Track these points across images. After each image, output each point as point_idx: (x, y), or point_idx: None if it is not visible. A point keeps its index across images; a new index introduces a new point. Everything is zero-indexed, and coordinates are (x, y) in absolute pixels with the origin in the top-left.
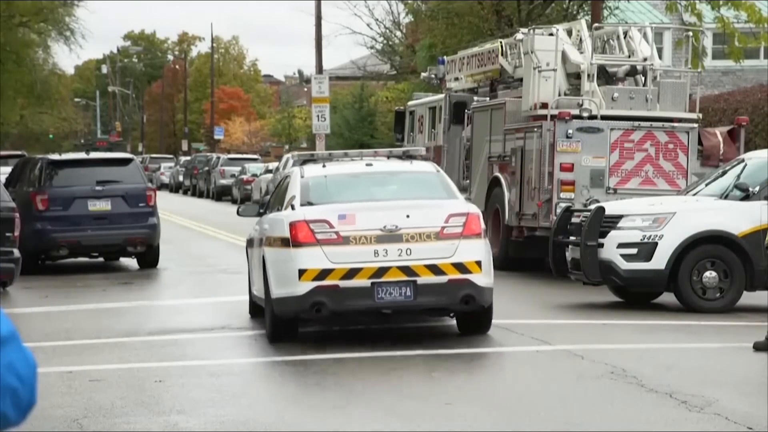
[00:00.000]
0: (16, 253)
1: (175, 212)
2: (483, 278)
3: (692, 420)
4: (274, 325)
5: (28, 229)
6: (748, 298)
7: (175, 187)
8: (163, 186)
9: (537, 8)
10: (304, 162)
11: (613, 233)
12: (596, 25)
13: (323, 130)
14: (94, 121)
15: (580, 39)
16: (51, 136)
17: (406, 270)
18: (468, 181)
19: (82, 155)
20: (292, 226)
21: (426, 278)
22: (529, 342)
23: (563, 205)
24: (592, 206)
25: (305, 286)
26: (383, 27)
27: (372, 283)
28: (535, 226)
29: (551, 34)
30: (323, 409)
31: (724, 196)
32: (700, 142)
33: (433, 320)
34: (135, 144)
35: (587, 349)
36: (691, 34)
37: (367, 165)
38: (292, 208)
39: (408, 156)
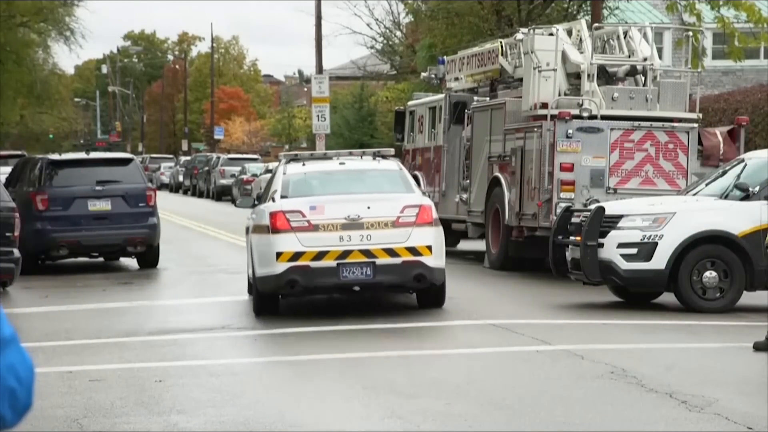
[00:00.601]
0: (16, 253)
1: (175, 212)
2: (433, 260)
3: (692, 420)
4: (258, 300)
5: (28, 229)
6: (748, 298)
7: (175, 187)
8: (163, 186)
9: (537, 8)
10: (289, 161)
11: (613, 233)
12: (596, 25)
13: (323, 130)
14: (94, 121)
15: (580, 39)
16: (51, 136)
17: (366, 253)
18: (468, 181)
19: (82, 155)
20: (272, 215)
21: (383, 260)
22: (529, 342)
23: (563, 205)
24: (592, 206)
25: (281, 266)
26: (383, 27)
27: (337, 264)
28: (535, 226)
29: (551, 34)
30: (323, 409)
31: (724, 196)
32: (700, 142)
33: (432, 320)
34: (135, 144)
35: (587, 349)
36: (691, 34)
37: (340, 164)
38: (273, 200)
39: (378, 156)
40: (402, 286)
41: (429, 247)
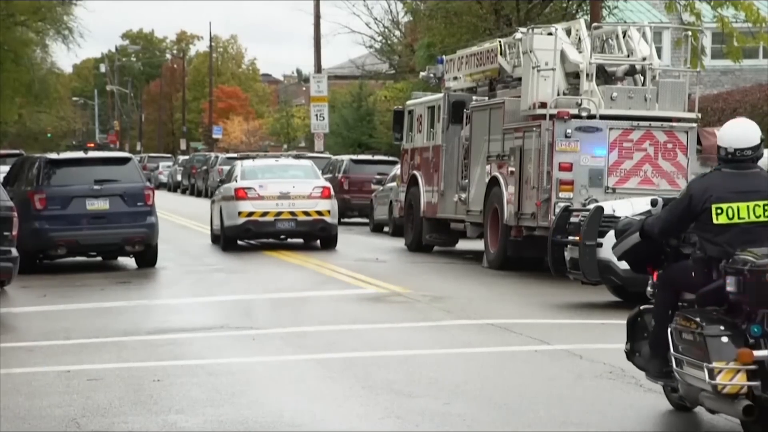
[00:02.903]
0: (14, 252)
1: (173, 211)
2: (331, 219)
3: (691, 419)
4: (225, 241)
5: (26, 228)
6: None
7: (173, 186)
8: (161, 185)
9: (536, 7)
10: (244, 158)
11: (612, 233)
12: (595, 24)
13: (322, 129)
14: (92, 120)
15: (579, 38)
16: (49, 135)
17: (292, 213)
18: (467, 180)
19: (80, 154)
20: (236, 189)
21: (301, 218)
22: (527, 341)
23: (562, 204)
24: (591, 206)
25: (241, 220)
26: (382, 26)
27: (274, 219)
28: (534, 225)
29: (550, 34)
30: (322, 409)
31: None
32: (699, 142)
33: (431, 320)
34: (133, 143)
35: (586, 348)
36: (690, 33)
37: (276, 160)
38: (236, 181)
39: (298, 156)
40: (312, 234)
41: (328, 211)
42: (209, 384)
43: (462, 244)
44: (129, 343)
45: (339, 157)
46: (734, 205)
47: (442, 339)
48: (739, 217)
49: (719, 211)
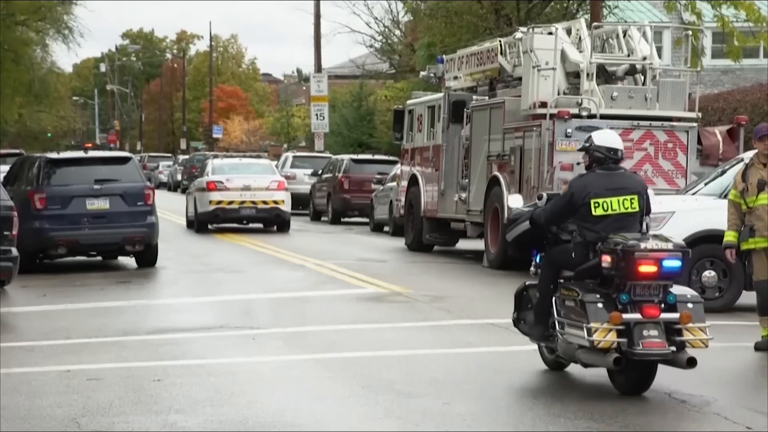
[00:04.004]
0: (14, 251)
1: (173, 211)
2: (285, 207)
3: (691, 419)
4: (198, 224)
5: (26, 227)
6: (747, 297)
7: (173, 186)
8: (161, 185)
9: (536, 7)
10: (215, 157)
11: None
12: (595, 24)
13: (322, 129)
14: (92, 119)
15: (580, 38)
16: (49, 134)
17: (253, 202)
18: (467, 180)
19: (80, 154)
20: (207, 182)
21: (261, 206)
22: (527, 341)
23: None
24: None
25: (212, 207)
26: (382, 26)
27: (239, 207)
28: None
29: (550, 33)
30: (322, 409)
31: (724, 195)
32: (699, 142)
33: (431, 320)
34: (133, 143)
35: None
36: (690, 33)
37: (240, 159)
38: (208, 175)
39: (257, 157)
40: (269, 219)
41: (283, 201)
42: (209, 384)
43: (462, 244)
44: (129, 343)
45: (339, 157)
46: (608, 200)
47: (442, 339)
48: (612, 209)
49: (596, 204)
